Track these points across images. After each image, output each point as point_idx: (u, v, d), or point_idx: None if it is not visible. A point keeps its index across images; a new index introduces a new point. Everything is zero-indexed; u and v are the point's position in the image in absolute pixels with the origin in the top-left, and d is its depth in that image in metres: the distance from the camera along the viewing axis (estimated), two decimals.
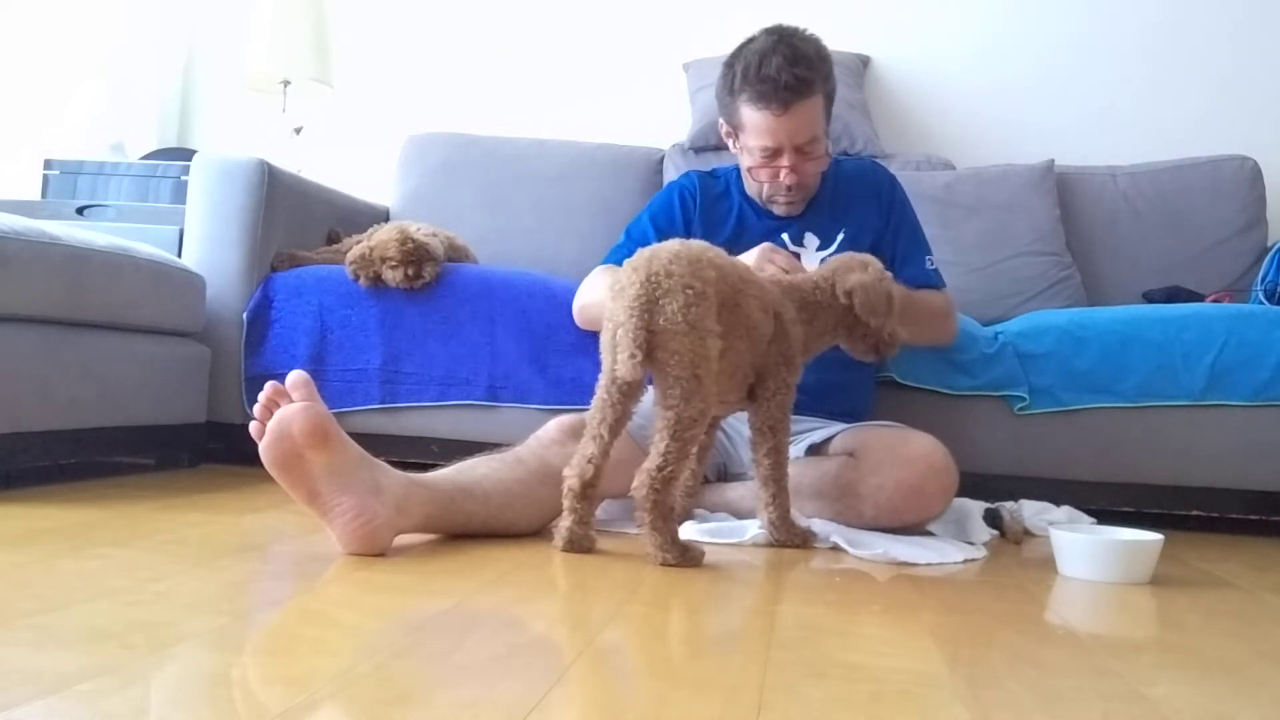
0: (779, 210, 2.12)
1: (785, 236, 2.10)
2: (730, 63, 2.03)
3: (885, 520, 1.87)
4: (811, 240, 2.11)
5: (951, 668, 1.07)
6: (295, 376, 1.43)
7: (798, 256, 2.08)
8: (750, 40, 2.02)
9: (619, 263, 2.05)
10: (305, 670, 0.93)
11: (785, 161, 2.02)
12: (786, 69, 1.93)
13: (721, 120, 2.11)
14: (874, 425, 2.02)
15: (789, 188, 2.05)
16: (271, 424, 1.41)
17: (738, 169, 2.19)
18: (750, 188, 2.13)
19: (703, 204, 2.16)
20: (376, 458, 1.52)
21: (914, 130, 3.24)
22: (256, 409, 1.43)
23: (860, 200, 2.15)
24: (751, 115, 1.99)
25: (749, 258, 1.88)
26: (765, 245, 1.91)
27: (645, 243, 2.09)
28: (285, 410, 1.41)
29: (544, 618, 1.22)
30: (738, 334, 1.62)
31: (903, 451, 1.90)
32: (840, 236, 2.10)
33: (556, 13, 3.48)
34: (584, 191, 3.04)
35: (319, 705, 0.83)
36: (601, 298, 2.01)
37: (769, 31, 2.00)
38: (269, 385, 1.44)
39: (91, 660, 0.90)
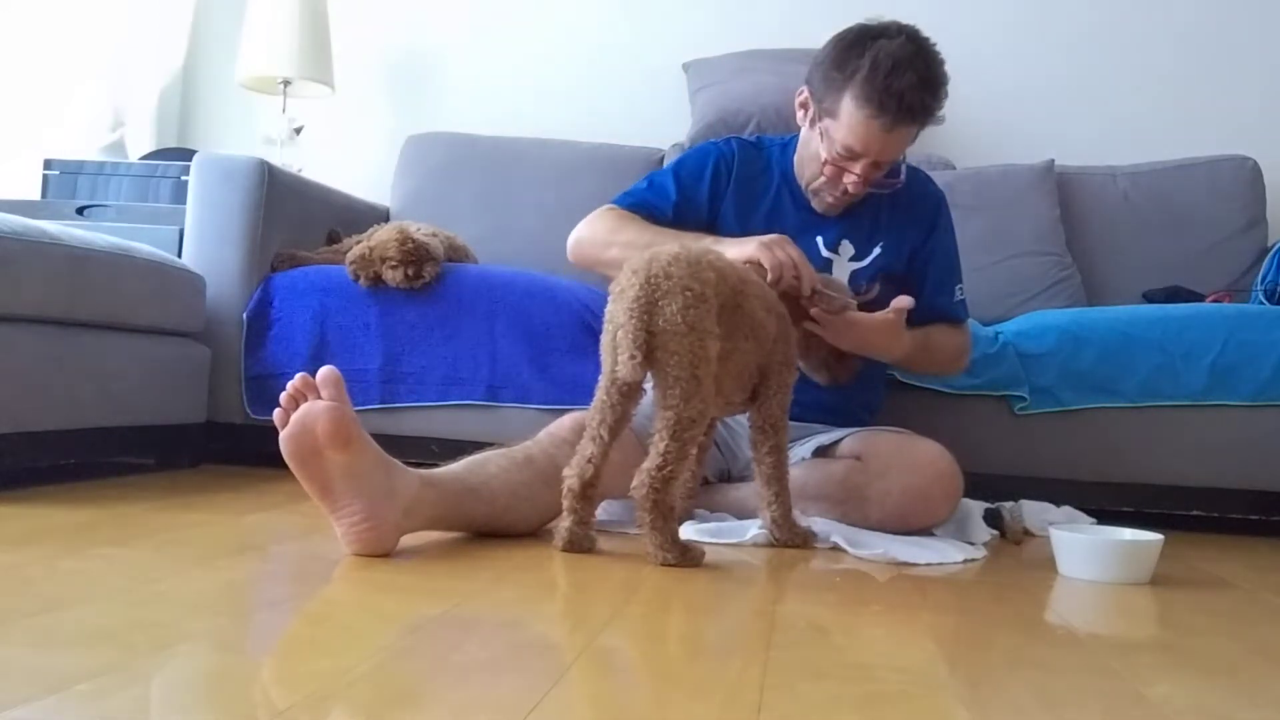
0: (818, 205, 2.01)
1: (820, 241, 2.01)
2: (855, 45, 1.85)
3: (890, 525, 1.86)
4: (847, 249, 2.02)
5: (951, 668, 1.07)
6: (326, 373, 1.42)
7: (830, 263, 2.01)
8: (883, 31, 1.85)
9: (629, 205, 2.00)
10: (305, 670, 0.93)
11: (857, 169, 1.90)
12: (917, 91, 1.81)
13: (807, 90, 1.95)
14: (882, 430, 2.01)
15: (844, 192, 1.95)
16: (296, 416, 1.40)
17: (782, 144, 2.09)
18: (803, 170, 2.01)
19: (737, 179, 2.04)
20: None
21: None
22: (283, 397, 1.42)
23: (905, 214, 2.04)
24: (854, 113, 1.84)
25: (761, 237, 1.80)
26: (776, 238, 1.81)
27: (664, 194, 2.02)
28: (312, 406, 1.40)
29: (544, 618, 1.22)
30: (743, 334, 1.61)
31: (910, 457, 1.89)
32: (876, 251, 2.02)
33: (556, 13, 3.48)
34: (584, 191, 3.02)
35: (319, 705, 0.83)
36: (600, 239, 1.96)
37: (909, 36, 1.84)
38: (299, 376, 1.42)
39: (91, 660, 0.90)
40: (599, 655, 1.03)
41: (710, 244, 1.83)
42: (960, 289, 2.10)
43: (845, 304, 1.82)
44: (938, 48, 1.87)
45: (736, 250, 1.79)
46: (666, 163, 3.08)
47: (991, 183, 2.98)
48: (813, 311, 1.80)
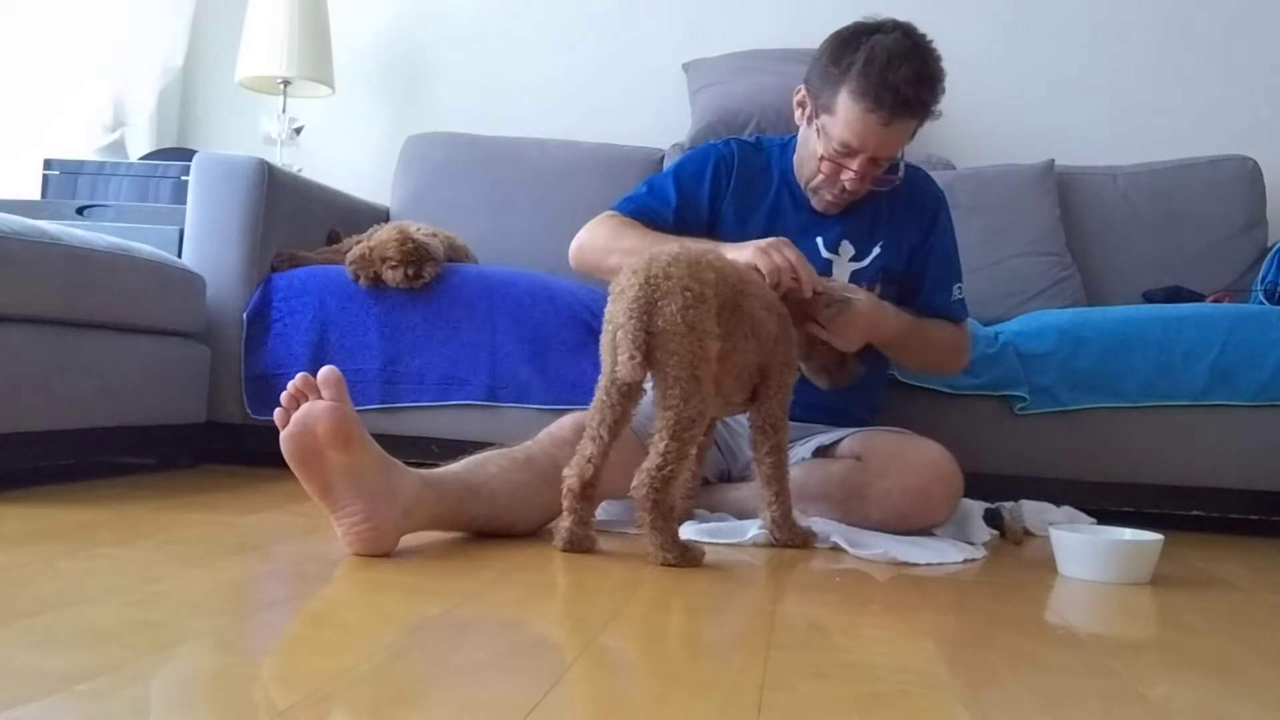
0: (817, 204, 2.00)
1: (820, 241, 2.00)
2: (850, 41, 1.86)
3: (890, 525, 1.87)
4: (847, 249, 2.01)
5: (951, 668, 1.07)
6: (327, 373, 1.41)
7: (830, 264, 2.01)
8: (879, 27, 1.86)
9: (630, 211, 2.00)
10: (305, 670, 0.93)
11: (855, 165, 1.90)
12: (912, 84, 1.80)
13: (804, 90, 1.95)
14: (882, 430, 2.01)
15: (843, 190, 1.95)
16: (297, 416, 1.40)
17: (782, 144, 2.09)
18: (802, 169, 2.01)
19: (738, 180, 2.04)
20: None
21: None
22: (284, 397, 1.42)
23: (904, 213, 2.04)
24: (851, 109, 1.84)
25: (759, 241, 1.80)
26: (781, 238, 1.82)
27: (664, 198, 2.02)
28: (312, 406, 1.40)
29: (544, 618, 1.22)
30: (743, 334, 1.62)
31: (910, 457, 1.89)
32: (876, 250, 2.02)
33: (556, 13, 3.48)
34: (584, 191, 3.03)
35: (319, 705, 0.83)
36: (602, 246, 1.96)
37: (905, 32, 1.85)
38: (300, 376, 1.42)
39: (91, 660, 0.90)
40: (599, 655, 1.03)
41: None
42: (959, 288, 2.09)
43: (848, 300, 1.82)
44: (934, 43, 1.87)
45: (733, 256, 1.78)
46: (666, 163, 3.09)
47: (991, 183, 2.98)
48: (815, 314, 1.80)
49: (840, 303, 1.81)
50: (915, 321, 1.99)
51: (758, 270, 1.76)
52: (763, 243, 1.81)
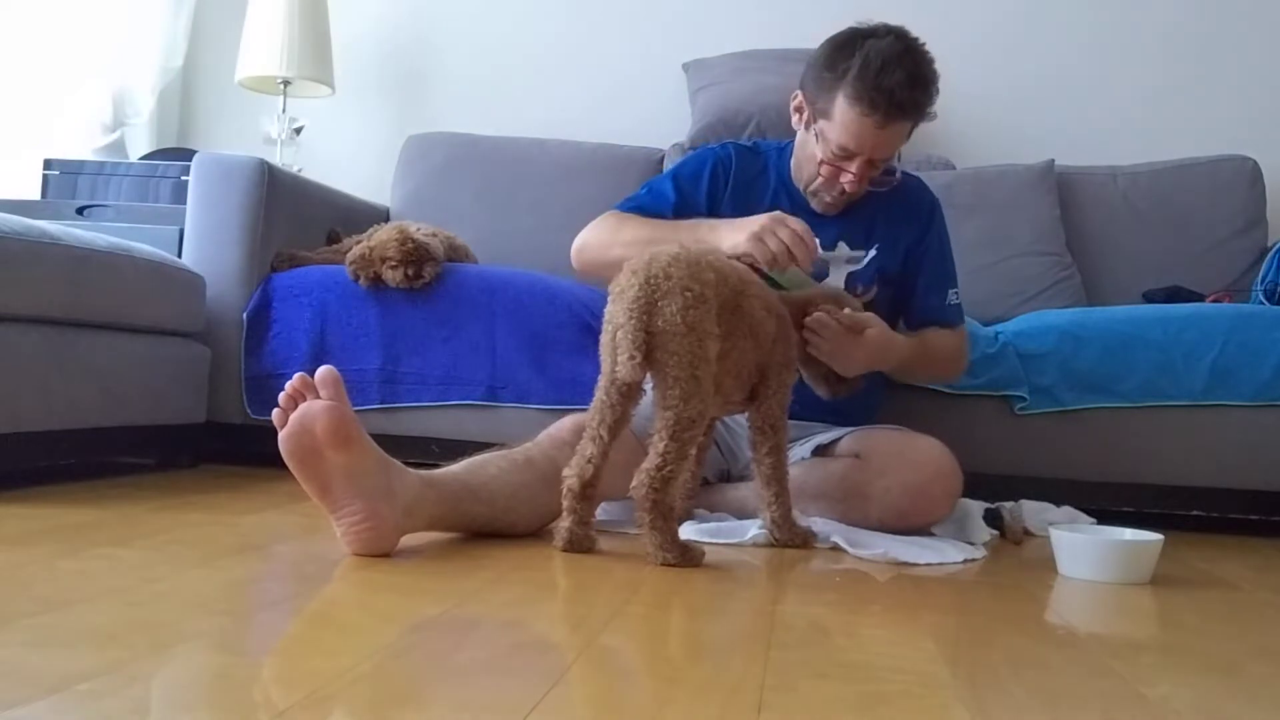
0: (817, 205, 2.03)
1: (817, 242, 1.99)
2: (845, 46, 1.89)
3: (891, 523, 1.87)
4: (842, 249, 2.03)
5: (952, 668, 1.07)
6: (325, 373, 1.41)
7: (826, 264, 2.02)
8: (872, 32, 1.89)
9: (631, 210, 2.03)
10: (305, 670, 0.93)
11: (853, 168, 1.93)
12: (906, 87, 1.84)
13: (800, 94, 1.99)
14: (881, 428, 2.01)
15: (842, 191, 1.97)
16: (295, 416, 1.40)
17: (779, 148, 2.12)
18: (800, 172, 2.04)
19: (736, 182, 2.06)
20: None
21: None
22: (281, 397, 1.41)
23: (900, 216, 2.06)
24: (847, 113, 1.88)
25: (754, 223, 1.82)
26: (775, 215, 1.83)
27: (663, 198, 2.04)
28: (311, 406, 1.40)
29: (544, 618, 1.22)
30: (742, 334, 1.62)
31: (910, 455, 1.89)
32: (872, 252, 2.04)
33: (556, 13, 3.48)
34: (584, 191, 3.03)
35: (319, 705, 0.83)
36: (603, 241, 1.99)
37: (898, 36, 1.88)
38: (297, 376, 1.42)
39: (91, 660, 0.90)
40: (599, 655, 1.03)
41: (706, 231, 1.88)
42: (955, 293, 2.11)
43: (856, 309, 1.82)
44: (927, 46, 1.90)
45: (730, 240, 1.81)
46: (667, 163, 3.09)
47: (991, 183, 2.98)
48: (815, 319, 1.80)
49: (848, 311, 1.81)
50: (918, 347, 2.00)
51: (752, 259, 1.77)
52: (757, 225, 1.82)
